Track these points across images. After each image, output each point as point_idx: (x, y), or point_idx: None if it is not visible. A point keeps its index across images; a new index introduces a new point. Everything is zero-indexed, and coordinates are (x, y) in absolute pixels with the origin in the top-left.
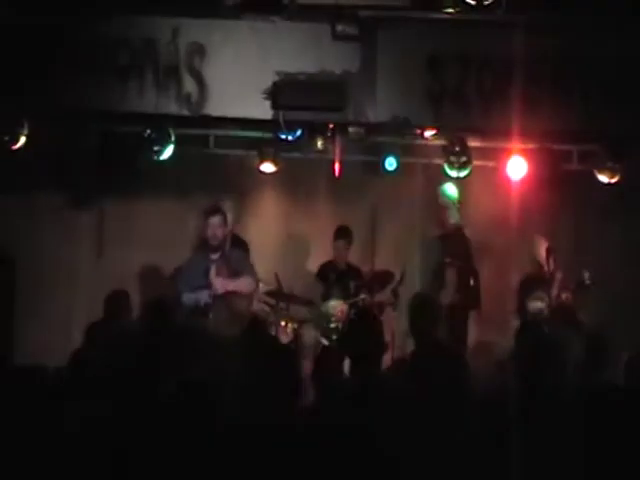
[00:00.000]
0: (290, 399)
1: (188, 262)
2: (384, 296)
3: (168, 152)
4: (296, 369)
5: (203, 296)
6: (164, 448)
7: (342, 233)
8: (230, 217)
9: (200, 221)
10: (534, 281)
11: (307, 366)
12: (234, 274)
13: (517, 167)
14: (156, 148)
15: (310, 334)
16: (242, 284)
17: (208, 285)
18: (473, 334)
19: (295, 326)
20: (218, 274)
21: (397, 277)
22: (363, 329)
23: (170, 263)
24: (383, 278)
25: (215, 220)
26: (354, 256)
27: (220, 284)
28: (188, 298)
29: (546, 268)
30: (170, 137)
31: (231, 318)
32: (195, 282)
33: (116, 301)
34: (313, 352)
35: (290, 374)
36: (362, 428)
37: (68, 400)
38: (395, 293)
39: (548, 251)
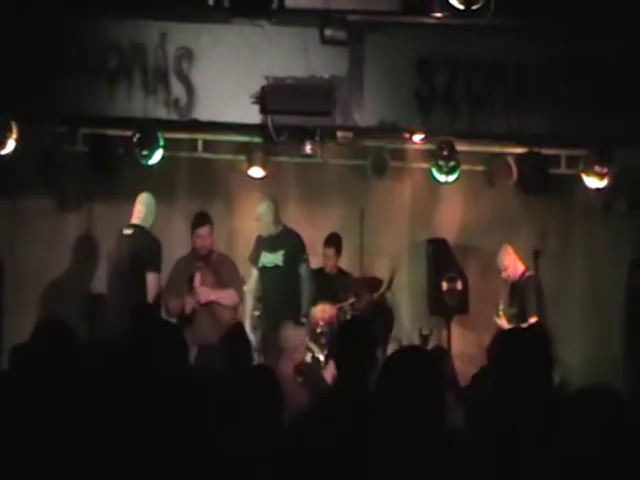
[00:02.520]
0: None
1: (174, 268)
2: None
3: (157, 156)
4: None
5: (189, 302)
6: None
7: (332, 241)
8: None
9: (186, 226)
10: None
11: (288, 365)
12: (221, 284)
13: (505, 171)
14: (144, 152)
15: (294, 332)
16: (225, 297)
17: (192, 292)
18: (460, 338)
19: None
20: (203, 282)
21: (385, 282)
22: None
23: None
24: (371, 283)
25: (203, 231)
26: (343, 260)
27: (203, 293)
28: (173, 305)
29: (504, 275)
30: (159, 141)
31: (215, 326)
32: (180, 288)
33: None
34: (295, 352)
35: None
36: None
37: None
38: (383, 297)
39: (535, 255)
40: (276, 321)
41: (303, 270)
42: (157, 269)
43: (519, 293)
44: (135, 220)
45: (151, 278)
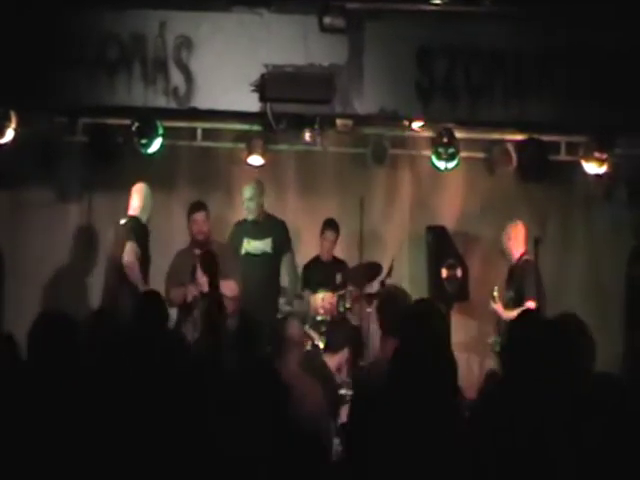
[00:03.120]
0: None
1: (175, 258)
2: (372, 288)
3: (156, 145)
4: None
5: (190, 291)
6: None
7: (329, 225)
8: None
9: (186, 215)
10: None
11: (293, 359)
12: (221, 274)
13: (505, 158)
14: (143, 141)
15: (296, 326)
16: (226, 287)
17: (194, 281)
18: (460, 325)
19: None
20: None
21: (385, 269)
22: None
23: (158, 256)
24: (371, 270)
25: (199, 216)
26: (342, 248)
27: (205, 283)
28: (175, 294)
29: (508, 257)
30: (157, 130)
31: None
32: (182, 278)
33: None
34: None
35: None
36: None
37: None
38: (383, 285)
39: (536, 242)
40: (254, 309)
41: (289, 258)
42: (135, 242)
43: (516, 276)
44: (131, 212)
45: (128, 246)
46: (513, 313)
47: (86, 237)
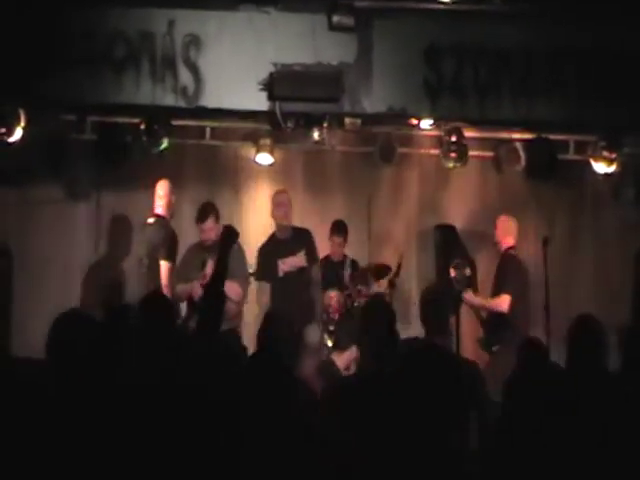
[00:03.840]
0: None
1: (184, 256)
2: (381, 287)
3: (164, 144)
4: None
5: (197, 288)
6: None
7: (338, 228)
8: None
9: (194, 214)
10: None
11: (310, 364)
12: (229, 275)
13: (513, 157)
14: (152, 140)
15: (315, 333)
16: (231, 290)
17: (203, 276)
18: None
19: None
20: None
21: (394, 269)
22: None
23: None
24: (379, 270)
25: (207, 225)
26: (350, 247)
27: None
28: (182, 289)
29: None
30: (167, 129)
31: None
32: (189, 274)
33: None
34: (318, 351)
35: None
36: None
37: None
38: (392, 284)
39: (544, 241)
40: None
41: (316, 272)
42: (171, 259)
43: (499, 268)
44: (158, 210)
45: (163, 266)
46: (482, 300)
47: (95, 235)
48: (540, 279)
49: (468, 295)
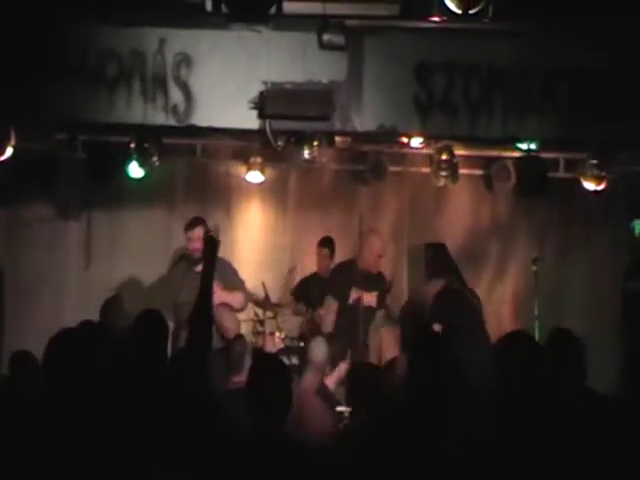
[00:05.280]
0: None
1: (169, 276)
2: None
3: (154, 162)
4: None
5: None
6: None
7: (325, 242)
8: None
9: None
10: None
11: (311, 380)
12: (226, 287)
13: (504, 175)
14: (143, 158)
15: (320, 349)
16: (236, 300)
17: None
18: None
19: (284, 334)
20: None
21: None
22: None
23: (156, 274)
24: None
25: (196, 233)
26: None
27: (216, 295)
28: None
29: None
30: (158, 147)
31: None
32: (179, 297)
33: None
34: (323, 367)
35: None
36: None
37: None
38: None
39: (534, 261)
40: None
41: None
42: None
43: None
44: None
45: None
46: None
47: (85, 254)
48: (529, 297)
49: None
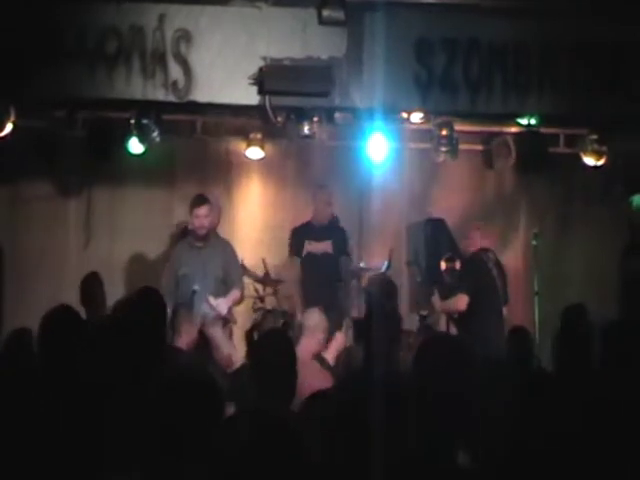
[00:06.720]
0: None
1: (174, 253)
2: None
3: (155, 139)
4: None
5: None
6: None
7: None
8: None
9: (185, 209)
10: None
11: (306, 343)
12: (225, 273)
13: (504, 151)
14: (143, 135)
15: (315, 316)
16: (235, 298)
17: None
18: None
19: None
20: (206, 268)
21: (385, 263)
22: None
23: (156, 252)
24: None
25: (202, 211)
26: None
27: (223, 306)
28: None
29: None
30: (158, 124)
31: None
32: (180, 270)
33: None
34: (318, 332)
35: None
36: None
37: None
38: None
39: (535, 235)
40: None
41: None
42: None
43: (462, 267)
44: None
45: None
46: (443, 303)
47: (85, 231)
48: (530, 272)
49: (434, 298)
